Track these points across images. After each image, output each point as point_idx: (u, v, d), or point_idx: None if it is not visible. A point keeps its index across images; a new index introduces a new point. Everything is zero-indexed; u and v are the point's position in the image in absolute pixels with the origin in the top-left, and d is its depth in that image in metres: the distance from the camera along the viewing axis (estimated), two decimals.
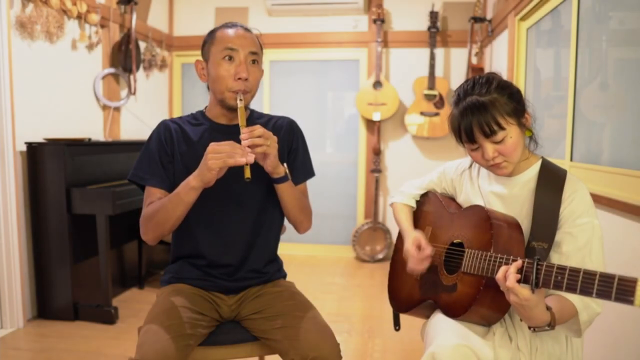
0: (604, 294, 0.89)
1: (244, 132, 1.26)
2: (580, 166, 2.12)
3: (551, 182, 1.23)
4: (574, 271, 0.95)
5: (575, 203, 1.19)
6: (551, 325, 1.07)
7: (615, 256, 1.73)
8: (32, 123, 2.81)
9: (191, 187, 1.27)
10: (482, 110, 1.17)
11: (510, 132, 1.18)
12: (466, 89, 1.23)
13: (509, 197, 1.29)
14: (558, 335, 1.23)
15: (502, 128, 1.17)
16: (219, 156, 1.21)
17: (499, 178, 1.32)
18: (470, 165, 1.43)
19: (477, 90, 1.20)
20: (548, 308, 1.08)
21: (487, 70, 3.85)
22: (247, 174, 1.22)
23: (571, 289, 0.95)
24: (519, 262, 1.06)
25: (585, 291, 0.93)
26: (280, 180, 1.37)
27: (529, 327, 1.11)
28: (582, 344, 1.29)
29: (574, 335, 1.18)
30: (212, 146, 1.23)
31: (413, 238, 1.39)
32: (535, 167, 1.28)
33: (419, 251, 1.36)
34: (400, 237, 1.61)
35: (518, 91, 1.23)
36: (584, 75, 2.15)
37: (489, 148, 1.19)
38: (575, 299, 1.12)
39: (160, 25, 4.27)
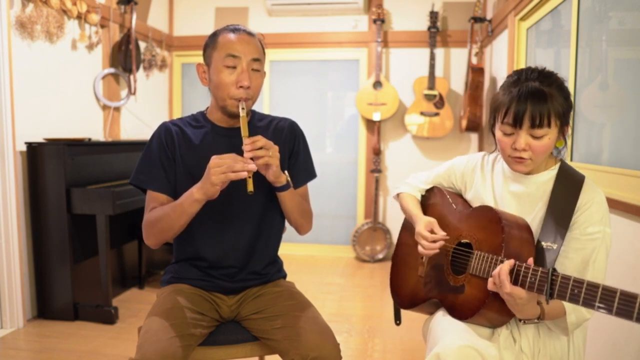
0: (624, 313, 0.86)
1: (247, 144, 1.26)
2: (580, 166, 2.12)
3: (568, 185, 1.23)
4: (593, 286, 0.92)
5: (591, 211, 1.18)
6: (540, 318, 1.15)
7: (615, 256, 1.72)
8: (32, 123, 2.81)
9: (194, 199, 1.28)
10: (542, 99, 1.15)
11: (551, 134, 1.18)
12: (528, 73, 1.21)
13: (525, 195, 1.28)
14: (560, 337, 1.23)
15: (548, 125, 1.16)
16: (221, 169, 1.22)
17: (516, 176, 1.30)
18: (482, 160, 1.42)
19: (540, 79, 1.18)
20: (539, 302, 1.13)
21: (487, 70, 3.85)
22: (250, 187, 1.23)
23: (589, 304, 0.92)
24: (512, 262, 1.09)
25: (605, 309, 0.89)
26: (282, 188, 1.38)
27: (519, 320, 1.18)
28: (585, 345, 1.29)
29: (561, 333, 1.21)
30: (214, 160, 1.24)
31: (426, 223, 1.37)
32: (554, 169, 1.27)
33: (431, 234, 1.34)
34: (403, 230, 1.59)
35: (570, 98, 1.22)
36: (584, 75, 2.14)
37: (524, 139, 1.18)
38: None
39: (160, 25, 4.27)
